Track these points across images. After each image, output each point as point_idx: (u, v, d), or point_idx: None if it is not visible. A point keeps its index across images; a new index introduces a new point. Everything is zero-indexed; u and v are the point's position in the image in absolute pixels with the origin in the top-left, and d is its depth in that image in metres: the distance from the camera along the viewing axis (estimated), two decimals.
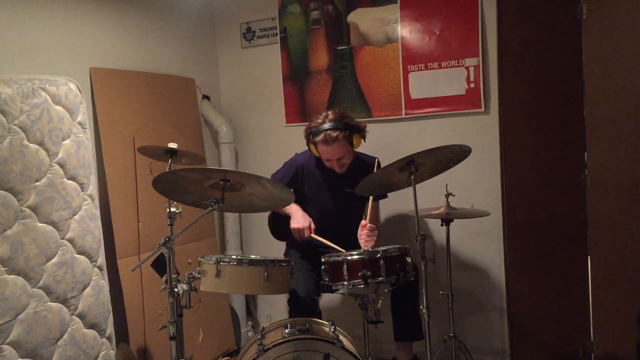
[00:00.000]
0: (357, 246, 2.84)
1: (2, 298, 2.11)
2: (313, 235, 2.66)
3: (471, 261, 3.07)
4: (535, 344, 2.87)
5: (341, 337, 2.22)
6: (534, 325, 2.87)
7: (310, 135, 2.72)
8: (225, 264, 2.08)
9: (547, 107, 2.80)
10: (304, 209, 2.79)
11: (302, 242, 2.71)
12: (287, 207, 2.77)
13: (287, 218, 2.77)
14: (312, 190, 2.84)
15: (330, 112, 2.71)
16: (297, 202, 2.76)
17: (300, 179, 2.86)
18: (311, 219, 2.70)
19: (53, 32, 2.66)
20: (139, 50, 3.14)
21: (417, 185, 2.21)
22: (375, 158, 2.77)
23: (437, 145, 2.17)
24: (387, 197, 2.96)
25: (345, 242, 2.76)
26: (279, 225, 2.91)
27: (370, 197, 2.60)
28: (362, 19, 3.22)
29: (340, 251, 2.45)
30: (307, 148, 2.86)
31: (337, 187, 2.83)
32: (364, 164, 2.80)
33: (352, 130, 2.68)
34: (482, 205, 2.89)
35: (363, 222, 2.57)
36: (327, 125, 2.63)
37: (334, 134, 2.61)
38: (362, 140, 2.76)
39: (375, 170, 2.59)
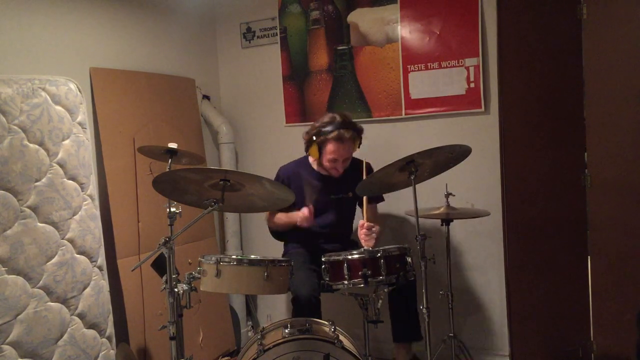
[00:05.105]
0: (352, 247, 2.87)
1: (2, 298, 2.11)
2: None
3: (471, 261, 3.07)
4: (535, 344, 2.87)
5: (341, 337, 2.22)
6: (534, 325, 2.87)
7: (319, 133, 2.70)
8: (225, 264, 2.08)
9: (547, 107, 2.80)
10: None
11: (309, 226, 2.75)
12: (285, 220, 2.82)
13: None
14: (299, 196, 2.82)
15: (337, 115, 2.73)
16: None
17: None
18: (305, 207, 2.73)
19: (53, 32, 2.66)
20: (139, 50, 3.14)
21: (417, 185, 2.21)
22: (362, 159, 2.78)
23: (437, 145, 2.18)
24: (383, 200, 2.97)
25: (339, 244, 2.77)
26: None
27: (365, 197, 2.60)
28: (362, 19, 3.22)
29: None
30: (303, 153, 2.89)
31: (328, 192, 2.86)
32: (353, 163, 2.84)
33: (358, 134, 2.74)
34: (482, 205, 2.89)
35: (361, 221, 2.58)
36: (339, 125, 2.67)
37: (347, 134, 2.66)
38: (358, 147, 2.80)
39: (364, 171, 2.62)
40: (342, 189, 2.86)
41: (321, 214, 2.84)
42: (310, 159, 2.92)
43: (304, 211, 2.70)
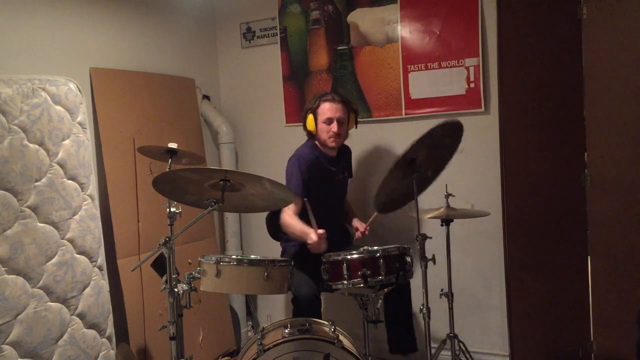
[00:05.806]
0: (347, 237, 2.96)
1: (2, 298, 2.11)
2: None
3: (471, 261, 3.07)
4: (535, 344, 2.87)
5: (341, 337, 2.22)
6: (534, 325, 2.87)
7: (312, 101, 2.81)
8: (225, 264, 2.08)
9: (547, 107, 2.80)
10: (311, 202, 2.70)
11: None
12: (299, 230, 2.62)
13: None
14: (316, 179, 2.80)
15: (329, 91, 2.92)
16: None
17: (308, 172, 2.77)
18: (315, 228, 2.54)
19: (53, 32, 2.66)
20: (139, 50, 3.14)
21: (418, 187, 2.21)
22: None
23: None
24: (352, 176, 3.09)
25: (336, 224, 2.83)
26: (277, 225, 2.92)
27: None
28: (362, 19, 3.22)
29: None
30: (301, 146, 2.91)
31: (335, 173, 2.89)
32: (344, 148, 2.97)
33: (351, 105, 2.85)
34: (482, 205, 2.89)
35: (360, 227, 2.71)
36: (331, 92, 2.85)
37: (338, 97, 2.79)
38: (354, 125, 2.88)
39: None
40: (341, 170, 2.92)
41: (329, 195, 2.85)
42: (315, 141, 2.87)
43: (314, 237, 2.46)
